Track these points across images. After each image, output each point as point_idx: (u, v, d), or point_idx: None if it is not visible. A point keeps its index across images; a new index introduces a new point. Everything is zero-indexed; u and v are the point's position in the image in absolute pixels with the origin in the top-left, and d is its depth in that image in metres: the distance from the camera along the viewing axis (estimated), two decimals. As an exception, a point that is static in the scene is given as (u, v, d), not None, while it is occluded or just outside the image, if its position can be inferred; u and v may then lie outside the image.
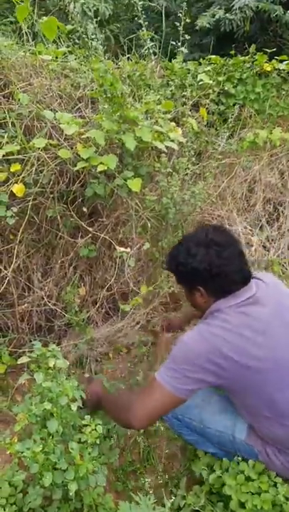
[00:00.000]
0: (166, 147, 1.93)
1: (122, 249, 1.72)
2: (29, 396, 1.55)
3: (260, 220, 2.98)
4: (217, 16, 4.04)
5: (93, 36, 1.81)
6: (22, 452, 1.36)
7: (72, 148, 1.85)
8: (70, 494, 1.30)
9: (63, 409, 1.44)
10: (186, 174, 2.18)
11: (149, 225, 2.01)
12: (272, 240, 2.99)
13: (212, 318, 1.40)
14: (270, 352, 1.32)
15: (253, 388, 1.35)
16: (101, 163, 1.68)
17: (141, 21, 2.26)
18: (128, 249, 1.72)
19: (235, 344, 1.31)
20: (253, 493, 1.38)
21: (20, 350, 1.92)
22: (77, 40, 1.94)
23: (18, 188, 1.77)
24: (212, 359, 1.30)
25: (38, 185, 1.84)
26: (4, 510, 1.44)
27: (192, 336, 1.38)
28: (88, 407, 1.61)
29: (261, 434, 1.45)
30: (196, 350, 1.34)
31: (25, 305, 1.98)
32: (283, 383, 1.34)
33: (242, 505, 1.38)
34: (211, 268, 1.38)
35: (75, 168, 1.75)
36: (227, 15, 4.01)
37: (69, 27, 1.87)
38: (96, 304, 2.17)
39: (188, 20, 2.46)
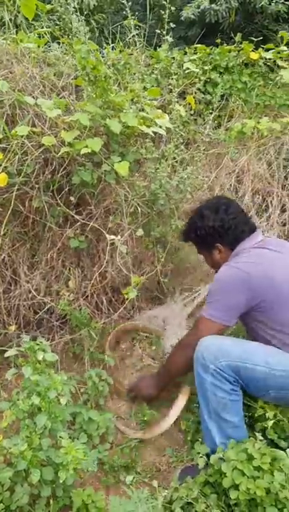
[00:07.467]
0: (154, 133, 1.88)
1: (112, 236, 1.68)
2: (17, 391, 1.51)
3: (250, 211, 2.96)
4: (202, 7, 4.02)
5: (74, 17, 1.77)
6: (10, 448, 1.32)
7: (56, 136, 1.80)
8: (60, 481, 1.25)
9: (52, 403, 1.40)
10: (176, 161, 2.14)
11: (139, 210, 1.96)
12: (261, 231, 2.97)
13: (234, 259, 1.67)
14: (284, 268, 1.60)
15: (283, 297, 1.56)
16: (85, 146, 1.63)
17: (127, 8, 2.21)
18: (118, 237, 1.68)
19: (257, 267, 1.58)
20: (248, 477, 1.35)
21: (7, 346, 1.87)
22: (58, 22, 1.89)
23: (0, 178, 1.72)
24: (242, 281, 1.55)
25: (22, 174, 1.78)
26: (-8, 508, 1.40)
27: (222, 272, 1.64)
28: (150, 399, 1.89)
29: None
30: (228, 279, 1.60)
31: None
32: None
33: (236, 487, 1.35)
34: (223, 223, 1.71)
35: (59, 153, 1.70)
36: (212, 6, 3.98)
37: (49, 6, 1.81)
38: (86, 296, 2.12)
39: (172, 8, 2.42)
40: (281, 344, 1.56)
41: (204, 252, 1.86)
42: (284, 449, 1.44)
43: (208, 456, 1.53)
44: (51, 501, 1.41)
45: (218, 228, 1.72)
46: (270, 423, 1.61)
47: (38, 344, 1.48)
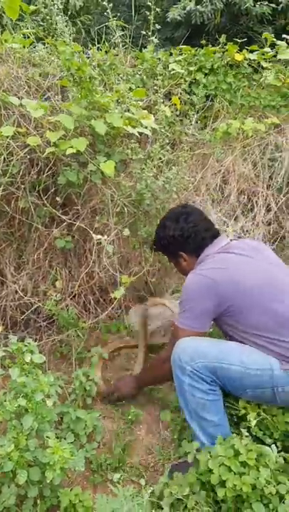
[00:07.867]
0: (140, 134, 1.89)
1: (99, 236, 1.68)
2: (4, 392, 1.50)
3: (235, 211, 2.99)
4: (188, 8, 4.04)
5: (58, 18, 1.77)
6: (-4, 450, 1.32)
7: (41, 136, 1.80)
8: (48, 481, 1.25)
9: (38, 405, 1.40)
10: (162, 161, 2.15)
11: (126, 210, 1.97)
12: (246, 230, 3.00)
13: (199, 266, 1.70)
14: (254, 273, 1.61)
15: (252, 301, 1.56)
16: (70, 146, 1.63)
17: (108, 10, 2.22)
18: (105, 237, 1.69)
19: (222, 273, 1.60)
20: (235, 473, 1.36)
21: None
22: (41, 23, 1.88)
23: (-14, 179, 1.72)
24: (208, 288, 1.57)
25: (8, 175, 1.78)
26: (-22, 510, 1.39)
27: (188, 280, 1.65)
28: (126, 397, 1.95)
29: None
30: (194, 287, 1.62)
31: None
32: (278, 295, 1.58)
33: (223, 484, 1.37)
34: (183, 232, 1.75)
35: (45, 154, 1.70)
36: (198, 7, 4.01)
37: (32, 7, 1.80)
38: (74, 296, 2.12)
39: (158, 10, 2.44)
40: (256, 346, 1.57)
41: (172, 260, 1.90)
42: (269, 446, 1.47)
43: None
44: (38, 501, 1.40)
45: (178, 237, 1.76)
46: (253, 422, 1.62)
47: (25, 345, 1.47)
